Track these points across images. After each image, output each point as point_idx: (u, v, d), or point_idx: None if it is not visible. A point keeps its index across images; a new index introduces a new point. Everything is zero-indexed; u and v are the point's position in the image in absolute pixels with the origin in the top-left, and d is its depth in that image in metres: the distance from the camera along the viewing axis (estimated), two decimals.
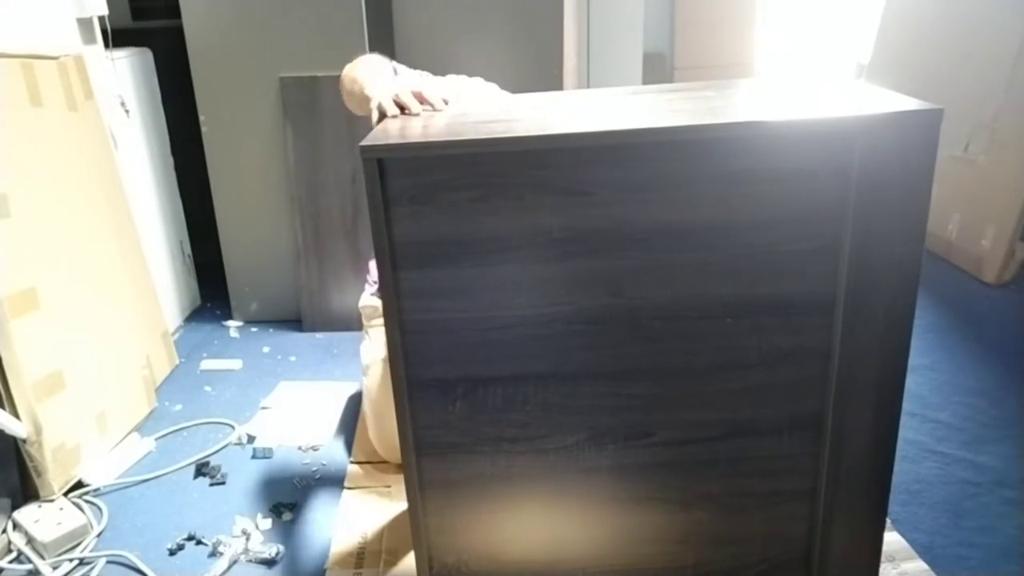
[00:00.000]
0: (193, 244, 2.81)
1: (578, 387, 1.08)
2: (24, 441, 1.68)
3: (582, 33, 3.17)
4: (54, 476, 1.73)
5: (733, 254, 1.02)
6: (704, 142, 0.97)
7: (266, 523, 1.67)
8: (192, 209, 2.77)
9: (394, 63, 1.47)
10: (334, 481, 1.82)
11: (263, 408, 2.15)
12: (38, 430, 1.69)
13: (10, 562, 1.58)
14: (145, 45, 2.57)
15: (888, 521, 1.51)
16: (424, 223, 1.00)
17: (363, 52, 2.33)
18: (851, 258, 1.00)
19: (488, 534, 1.17)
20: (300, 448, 1.95)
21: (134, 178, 2.39)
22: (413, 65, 1.59)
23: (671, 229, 1.01)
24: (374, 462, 1.85)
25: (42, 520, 1.63)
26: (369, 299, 1.86)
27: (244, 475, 1.86)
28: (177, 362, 2.41)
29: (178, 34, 2.42)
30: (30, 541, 1.61)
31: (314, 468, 1.88)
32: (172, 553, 1.60)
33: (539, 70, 2.56)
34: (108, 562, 1.58)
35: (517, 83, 1.62)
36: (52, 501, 1.71)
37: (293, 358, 2.46)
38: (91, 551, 1.61)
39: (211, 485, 1.83)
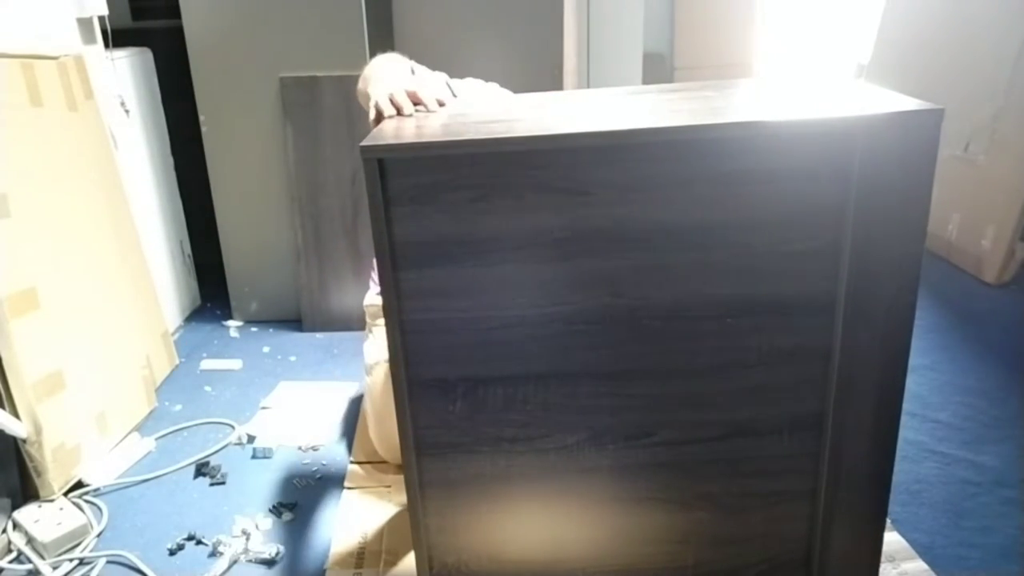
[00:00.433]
0: (193, 244, 2.81)
1: (578, 387, 1.08)
2: (24, 441, 1.68)
3: (582, 33, 3.17)
4: (54, 476, 1.73)
5: (733, 254, 1.02)
6: (704, 142, 0.97)
7: (266, 523, 1.67)
8: (192, 209, 2.77)
9: (412, 63, 1.47)
10: (334, 481, 1.82)
11: (263, 408, 2.15)
12: (38, 430, 1.69)
13: (10, 562, 1.58)
14: (145, 45, 2.57)
15: (888, 521, 1.51)
16: (424, 223, 1.00)
17: (363, 52, 2.35)
18: (851, 258, 1.00)
19: (488, 534, 1.17)
20: (300, 448, 1.95)
21: (134, 178, 2.39)
22: None
23: (671, 229, 1.01)
24: (374, 462, 1.85)
25: (42, 520, 1.63)
26: (374, 298, 1.85)
27: (244, 475, 1.86)
28: (177, 362, 2.41)
29: (178, 34, 2.42)
30: (30, 541, 1.61)
31: (314, 468, 1.88)
32: (172, 553, 1.60)
33: (539, 70, 2.56)
34: (108, 562, 1.58)
35: (517, 83, 1.62)
36: (52, 501, 1.71)
37: (293, 358, 2.46)
38: (91, 551, 1.61)
39: (211, 485, 1.83)
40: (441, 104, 1.25)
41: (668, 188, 0.99)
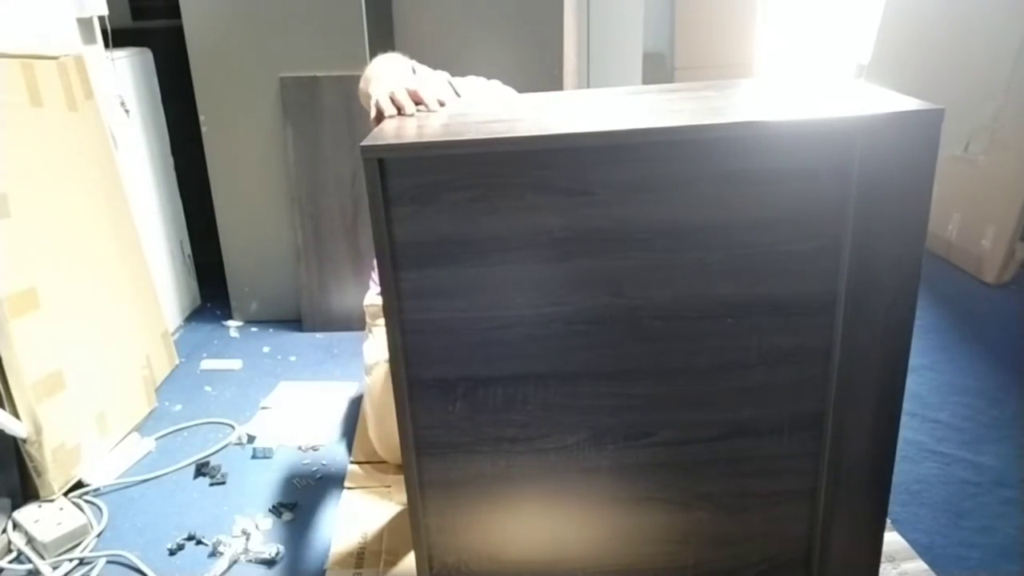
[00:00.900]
0: (193, 244, 2.81)
1: (578, 387, 1.08)
2: (24, 441, 1.68)
3: (582, 33, 3.17)
4: (54, 476, 1.73)
5: (733, 254, 1.02)
6: (705, 142, 0.97)
7: (266, 523, 1.67)
8: (192, 209, 2.77)
9: (413, 62, 1.47)
10: (334, 481, 1.82)
11: (263, 408, 2.15)
12: (38, 430, 1.69)
13: (10, 562, 1.58)
14: (145, 45, 2.57)
15: (888, 521, 1.52)
16: (425, 223, 1.00)
17: (363, 52, 2.35)
18: (851, 258, 1.00)
19: (488, 534, 1.17)
20: (300, 448, 1.95)
21: (134, 178, 2.39)
22: None
23: (671, 229, 1.01)
24: (374, 462, 1.85)
25: (42, 520, 1.63)
26: (374, 297, 1.85)
27: (244, 475, 1.86)
28: (177, 362, 2.41)
29: (178, 34, 2.42)
30: (30, 541, 1.61)
31: (314, 468, 1.88)
32: (172, 553, 1.60)
33: (539, 70, 2.56)
34: (108, 562, 1.58)
35: (517, 83, 1.62)
36: (52, 501, 1.71)
37: (293, 358, 2.46)
38: (91, 551, 1.61)
39: (211, 485, 1.83)
40: (442, 104, 1.25)
41: (669, 188, 0.99)
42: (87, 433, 1.85)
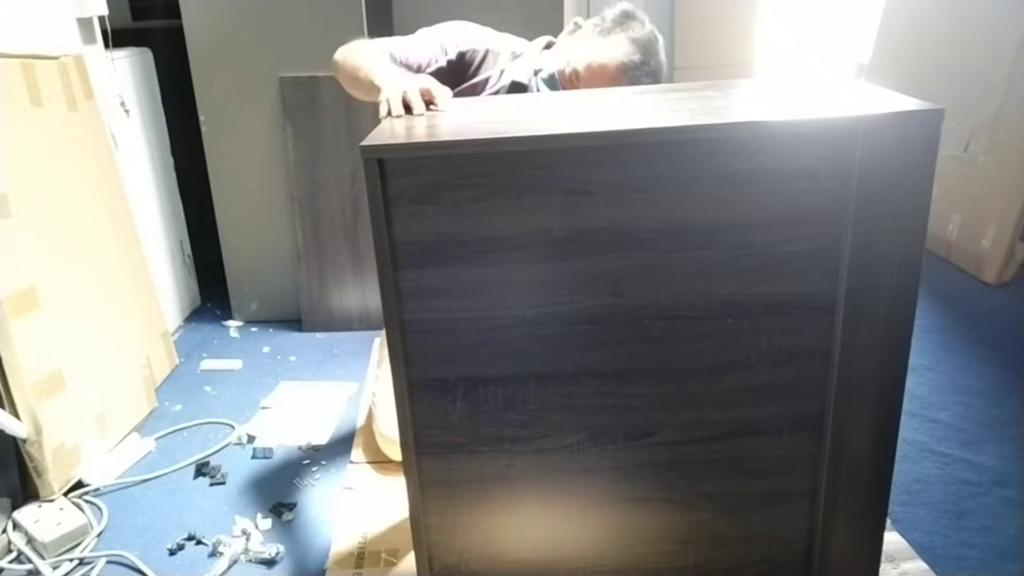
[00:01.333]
0: (193, 244, 2.82)
1: (578, 387, 1.08)
2: (24, 441, 1.68)
3: None
4: (54, 476, 1.73)
5: (733, 254, 1.02)
6: (704, 142, 0.97)
7: (266, 523, 1.67)
8: (192, 209, 2.77)
9: (391, 50, 1.47)
10: (334, 481, 1.82)
11: (263, 408, 2.15)
12: (38, 430, 1.68)
13: (10, 562, 1.58)
14: (145, 45, 2.57)
15: (888, 521, 1.52)
16: (424, 223, 1.00)
17: None
18: (851, 258, 1.00)
19: (488, 534, 1.17)
20: (300, 448, 1.95)
21: (134, 178, 2.39)
22: None
23: (671, 229, 1.01)
24: (374, 462, 1.85)
25: (42, 520, 1.63)
26: None
27: (244, 475, 1.86)
28: (177, 362, 2.41)
29: (178, 34, 2.42)
30: (30, 541, 1.61)
31: (314, 468, 1.88)
32: (172, 553, 1.60)
33: None
34: (108, 562, 1.58)
35: None
36: (52, 501, 1.71)
37: (293, 358, 2.46)
38: (91, 551, 1.61)
39: (211, 485, 1.83)
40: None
41: (668, 188, 0.99)
42: (87, 433, 1.85)
